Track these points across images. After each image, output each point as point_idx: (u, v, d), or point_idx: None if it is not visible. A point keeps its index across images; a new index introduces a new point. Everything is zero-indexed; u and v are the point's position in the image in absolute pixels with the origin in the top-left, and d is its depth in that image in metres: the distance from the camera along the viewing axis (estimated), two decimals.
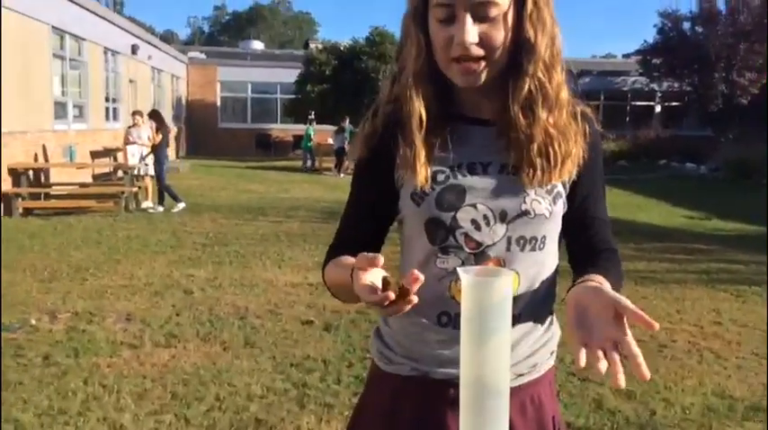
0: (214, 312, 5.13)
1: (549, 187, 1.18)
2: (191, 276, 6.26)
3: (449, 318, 1.19)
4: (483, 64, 1.11)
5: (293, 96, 23.97)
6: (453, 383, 1.17)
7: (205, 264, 6.84)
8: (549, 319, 1.27)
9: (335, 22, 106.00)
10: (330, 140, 20.85)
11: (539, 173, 1.15)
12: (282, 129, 27.33)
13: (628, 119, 27.37)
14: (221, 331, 4.69)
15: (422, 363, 1.21)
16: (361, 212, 1.28)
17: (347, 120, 20.12)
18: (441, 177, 1.17)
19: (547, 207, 1.17)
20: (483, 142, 1.18)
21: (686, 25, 23.93)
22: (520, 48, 1.12)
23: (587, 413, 3.47)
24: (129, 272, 6.40)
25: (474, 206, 1.15)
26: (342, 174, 19.05)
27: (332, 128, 20.98)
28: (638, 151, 23.50)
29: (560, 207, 1.20)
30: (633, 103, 27.96)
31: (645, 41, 24.69)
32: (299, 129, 25.24)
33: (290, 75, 24.62)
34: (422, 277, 0.91)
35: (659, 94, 27.03)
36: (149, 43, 20.43)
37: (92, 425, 3.24)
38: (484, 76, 1.12)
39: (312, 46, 26.67)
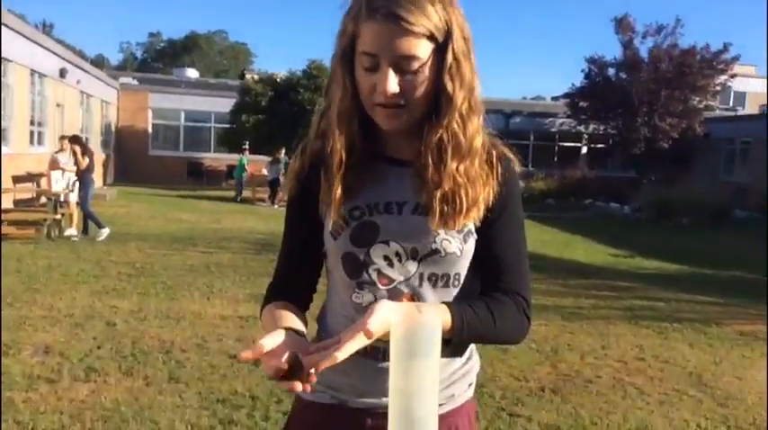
0: (137, 345, 4.95)
1: (459, 226, 1.21)
2: (114, 307, 6.04)
3: (365, 350, 1.18)
4: (403, 110, 1.15)
5: (228, 126, 23.75)
6: (370, 412, 1.23)
7: (130, 294, 6.62)
8: (467, 353, 1.31)
9: (272, 54, 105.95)
10: (264, 171, 20.67)
11: (444, 218, 1.19)
12: (215, 159, 26.99)
13: (556, 158, 28.22)
14: (144, 365, 4.53)
15: (341, 392, 1.26)
16: (295, 248, 1.32)
17: (283, 151, 20.03)
18: (356, 214, 1.21)
19: (458, 246, 1.21)
20: (400, 182, 1.23)
21: (611, 71, 24.97)
22: (439, 96, 1.16)
23: None
24: (49, 302, 6.14)
25: (386, 243, 1.19)
26: (276, 205, 18.91)
27: (266, 158, 20.85)
28: (566, 190, 24.20)
29: (471, 245, 1.23)
30: (561, 143, 28.88)
31: (573, 85, 25.63)
32: (232, 158, 24.99)
33: (224, 104, 24.42)
34: (266, 348, 1.00)
35: (586, 136, 28.04)
36: (78, 67, 19.93)
37: None
38: (404, 121, 1.17)
39: (248, 76, 26.61)
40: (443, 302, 1.15)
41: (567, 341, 5.71)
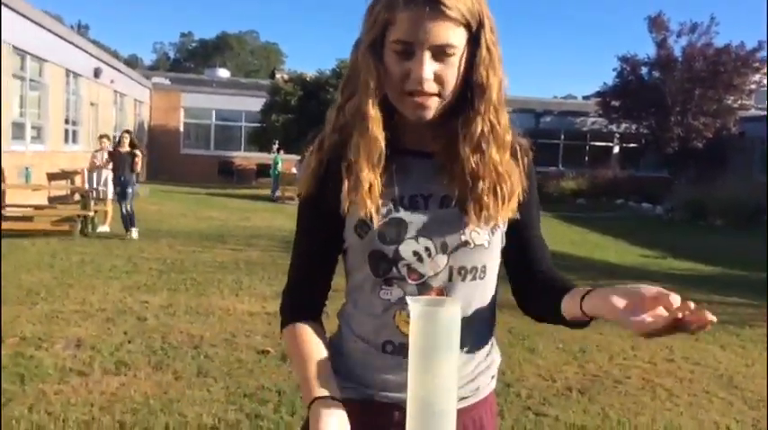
0: (167, 340, 5.02)
1: (504, 220, 1.22)
2: (145, 303, 6.14)
3: (393, 347, 1.22)
4: (436, 100, 1.14)
5: (258, 125, 23.95)
6: (398, 406, 1.20)
7: (160, 290, 6.72)
8: (489, 345, 1.31)
9: (302, 54, 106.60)
10: (294, 170, 20.83)
11: (487, 211, 1.19)
12: (246, 157, 27.23)
13: (587, 158, 27.94)
14: (174, 360, 4.59)
15: (368, 388, 1.24)
16: (315, 249, 1.28)
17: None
18: (383, 211, 1.19)
19: (486, 238, 1.21)
20: (424, 174, 1.22)
21: (644, 70, 24.67)
22: (470, 88, 1.16)
23: None
24: (82, 297, 6.25)
25: (416, 239, 1.19)
26: None
27: (296, 157, 20.97)
28: (597, 190, 23.95)
29: (498, 238, 1.24)
30: (592, 143, 28.58)
31: (604, 83, 25.36)
32: (262, 157, 25.19)
33: (255, 103, 24.62)
34: None
35: (617, 136, 27.70)
36: (112, 67, 20.27)
37: None
38: (434, 112, 1.16)
39: (278, 76, 26.79)
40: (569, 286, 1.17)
41: (596, 342, 5.65)
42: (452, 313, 0.85)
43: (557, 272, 1.28)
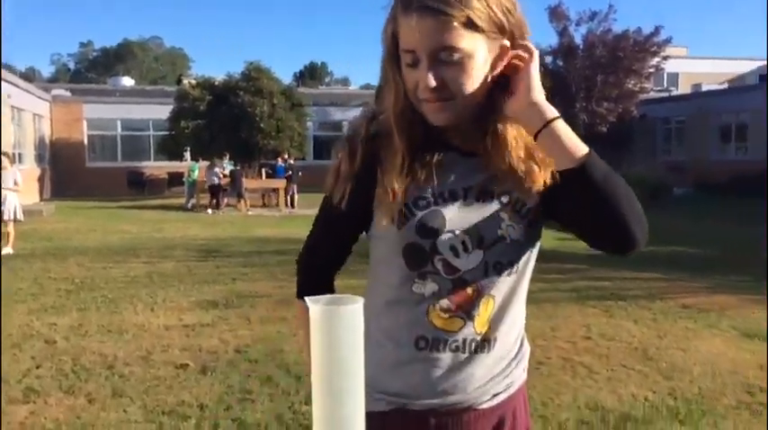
0: (78, 362, 4.78)
1: (522, 212, 1.21)
2: (53, 325, 5.83)
3: (426, 342, 1.21)
4: (452, 104, 1.12)
5: (167, 133, 23.29)
6: (434, 412, 1.22)
7: (70, 310, 6.41)
8: (521, 339, 1.31)
9: (209, 58, 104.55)
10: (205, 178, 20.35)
11: (515, 195, 1.20)
12: (156, 167, 26.46)
13: None
14: (86, 382, 4.38)
15: (399, 397, 1.23)
16: (334, 232, 1.32)
17: (227, 158, 19.82)
18: (422, 203, 1.19)
19: (522, 233, 1.20)
20: (464, 171, 1.21)
21: (548, 59, 25.37)
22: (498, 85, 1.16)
23: None
24: None
25: (453, 232, 1.18)
26: (220, 211, 18.63)
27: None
28: None
29: (535, 231, 1.24)
30: None
31: None
32: (173, 166, 24.56)
33: (162, 111, 23.96)
34: None
35: None
36: (8, 81, 19.29)
37: None
38: (454, 115, 1.14)
39: (185, 81, 26.12)
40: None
41: None
42: (354, 312, 0.81)
43: None
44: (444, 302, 1.19)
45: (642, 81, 25.64)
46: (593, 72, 23.94)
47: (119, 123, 26.89)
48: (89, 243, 11.55)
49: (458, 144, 1.22)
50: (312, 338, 0.82)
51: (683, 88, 33.37)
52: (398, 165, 1.18)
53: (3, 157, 11.22)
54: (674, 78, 34.85)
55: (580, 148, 1.13)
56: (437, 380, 1.21)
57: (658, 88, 32.04)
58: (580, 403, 3.98)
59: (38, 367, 4.68)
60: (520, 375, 1.30)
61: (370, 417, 1.21)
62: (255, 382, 4.30)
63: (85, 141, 26.66)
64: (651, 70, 25.55)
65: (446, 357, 1.20)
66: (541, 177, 1.19)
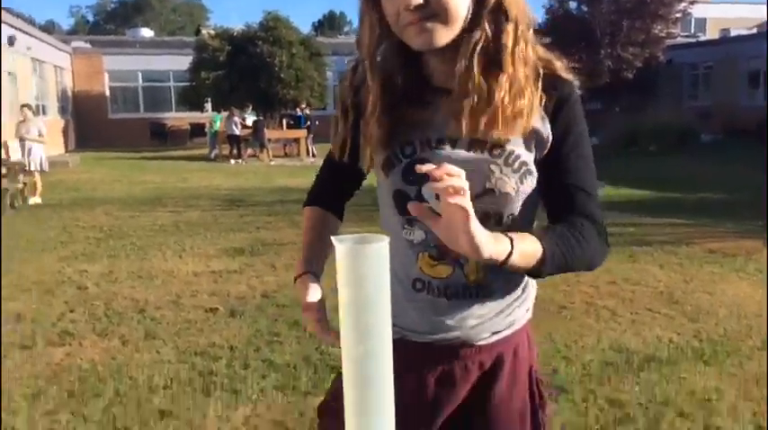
0: (111, 307, 4.90)
1: (515, 165, 1.15)
2: (84, 271, 5.96)
3: (423, 285, 1.23)
4: (439, 26, 1.07)
5: (187, 84, 23.24)
6: (432, 346, 1.25)
7: (100, 258, 6.53)
8: (523, 283, 1.30)
9: (227, 9, 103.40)
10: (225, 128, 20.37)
11: (477, 130, 1.12)
12: (178, 118, 26.49)
13: None
14: (119, 325, 4.49)
15: (402, 329, 1.26)
16: (342, 163, 1.31)
17: (250, 108, 19.77)
18: (408, 150, 1.18)
19: (513, 186, 1.16)
20: (449, 114, 1.15)
21: (572, 4, 24.77)
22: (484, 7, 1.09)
23: None
24: (17, 271, 6.03)
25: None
26: (242, 161, 18.71)
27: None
28: None
29: (529, 185, 1.18)
30: None
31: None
32: (195, 117, 24.57)
33: (182, 62, 23.84)
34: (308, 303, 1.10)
35: None
36: (28, 34, 19.29)
37: None
38: (441, 37, 1.08)
39: (204, 32, 25.91)
40: (532, 233, 1.08)
41: None
42: (380, 250, 0.82)
43: (583, 228, 1.16)
44: (433, 250, 1.20)
45: (669, 26, 24.95)
46: (619, 17, 23.34)
47: (139, 75, 26.86)
48: (115, 193, 11.68)
49: (443, 83, 1.17)
50: (339, 276, 0.83)
51: (711, 33, 32.47)
52: (372, 105, 1.16)
53: (25, 109, 11.32)
54: (701, 23, 33.91)
55: (535, 261, 1.06)
56: (434, 320, 1.24)
57: (685, 33, 31.20)
58: (604, 345, 4.01)
59: (71, 311, 4.80)
60: (523, 315, 1.30)
61: None
62: (283, 326, 4.38)
63: (107, 93, 26.70)
64: (678, 15, 24.82)
65: (441, 301, 1.22)
66: (527, 123, 1.14)
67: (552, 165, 1.18)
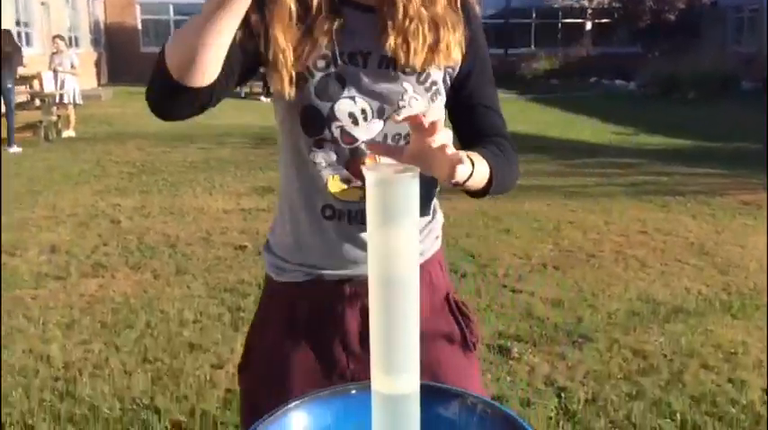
0: (143, 241, 4.99)
1: (427, 84, 1.14)
2: (117, 206, 6.06)
3: (332, 212, 1.17)
4: None
5: None
6: (348, 280, 1.19)
7: (132, 192, 6.63)
8: (431, 209, 1.28)
9: None
10: None
11: (415, 57, 1.10)
12: None
13: (559, 37, 27.43)
14: (151, 259, 4.58)
15: (315, 268, 1.21)
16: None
17: None
18: (321, 64, 1.11)
19: (425, 104, 1.14)
20: (365, 30, 1.12)
21: None
22: None
23: (518, 322, 3.56)
24: (52, 203, 6.15)
25: (353, 99, 1.12)
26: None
27: None
28: (570, 70, 23.64)
29: (439, 104, 1.17)
30: (564, 20, 27.99)
31: None
32: None
33: None
34: None
35: (590, 11, 27.10)
36: None
37: (17, 356, 3.14)
38: None
39: None
40: (475, 150, 1.04)
41: (570, 218, 5.72)
42: (411, 180, 0.81)
43: (493, 137, 1.17)
44: (343, 172, 1.15)
45: None
46: None
47: (171, 8, 26.64)
48: (147, 128, 11.71)
49: None
50: (369, 206, 0.82)
51: None
52: (285, 17, 1.08)
53: (57, 40, 11.34)
54: None
55: (485, 181, 1.03)
56: (346, 252, 1.18)
57: None
58: (631, 295, 4.00)
59: (105, 244, 4.90)
60: (432, 243, 1.28)
61: (288, 287, 1.23)
62: None
63: (139, 26, 26.59)
64: None
65: (352, 228, 1.16)
66: (443, 55, 1.12)
67: (463, 86, 1.18)
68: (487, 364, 3.07)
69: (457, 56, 1.15)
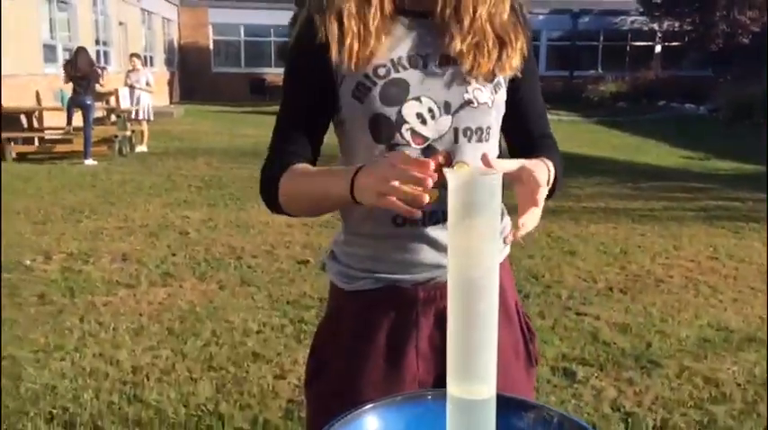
0: (210, 252, 5.11)
1: (488, 77, 1.16)
2: (186, 218, 6.23)
3: (403, 218, 1.15)
4: None
5: (287, 39, 23.52)
6: (421, 286, 1.18)
7: (200, 206, 6.80)
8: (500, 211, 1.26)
9: None
10: None
11: (487, 66, 1.14)
12: (277, 74, 26.83)
13: (627, 59, 26.99)
14: (217, 270, 4.68)
15: (386, 273, 1.19)
16: (300, 119, 1.22)
17: None
18: (382, 71, 1.12)
19: (489, 96, 1.15)
20: (421, 35, 1.15)
21: None
22: None
23: (583, 345, 3.48)
24: (124, 214, 6.36)
25: (418, 99, 1.12)
26: None
27: None
28: (638, 93, 23.21)
29: (502, 96, 1.19)
30: (633, 43, 27.53)
31: None
32: None
33: (283, 17, 24.05)
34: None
35: (659, 34, 26.58)
36: None
37: (88, 360, 3.24)
38: None
39: None
40: (539, 159, 1.08)
41: (638, 243, 5.59)
42: (494, 183, 0.80)
43: (544, 139, 1.26)
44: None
45: None
46: None
47: (242, 29, 27.37)
48: (216, 144, 12.07)
49: (414, 6, 1.15)
50: (450, 205, 0.82)
51: None
52: (335, 33, 1.11)
53: (134, 58, 11.79)
54: None
55: (551, 184, 1.11)
56: (420, 256, 1.16)
57: None
58: (702, 322, 3.87)
59: (173, 255, 5.04)
60: (501, 248, 1.24)
61: (359, 296, 1.21)
62: None
63: (211, 46, 27.39)
64: None
65: (425, 231, 1.15)
66: (507, 63, 1.16)
67: (517, 89, 1.22)
68: (551, 387, 3.01)
69: (518, 64, 1.18)
